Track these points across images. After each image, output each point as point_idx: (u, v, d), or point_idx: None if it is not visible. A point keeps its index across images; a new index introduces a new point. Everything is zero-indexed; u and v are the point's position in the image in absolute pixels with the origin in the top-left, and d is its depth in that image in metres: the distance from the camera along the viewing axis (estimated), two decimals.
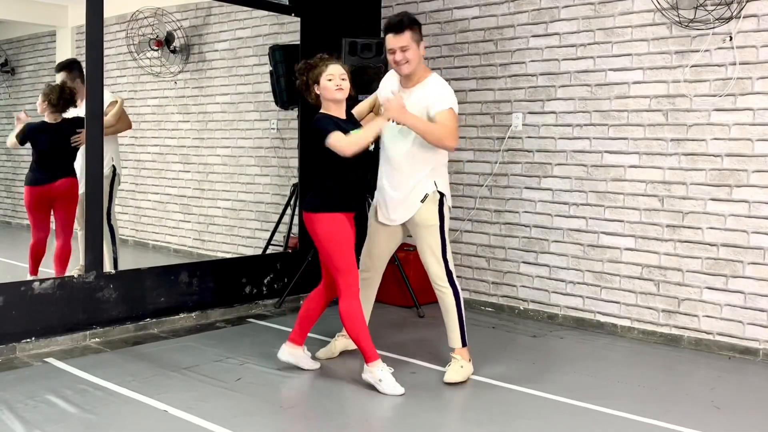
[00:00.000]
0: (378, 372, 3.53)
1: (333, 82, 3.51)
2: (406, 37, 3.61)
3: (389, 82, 3.88)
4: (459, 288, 3.78)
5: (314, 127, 3.50)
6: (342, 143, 3.41)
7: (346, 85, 3.53)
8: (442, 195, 3.74)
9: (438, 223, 3.74)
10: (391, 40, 3.63)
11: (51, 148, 4.61)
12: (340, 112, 3.57)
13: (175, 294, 4.76)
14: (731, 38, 4.27)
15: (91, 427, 3.04)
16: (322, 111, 3.57)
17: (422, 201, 3.70)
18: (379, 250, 3.92)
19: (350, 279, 3.55)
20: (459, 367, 3.73)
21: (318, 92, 3.55)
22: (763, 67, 4.19)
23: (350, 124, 3.59)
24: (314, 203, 3.58)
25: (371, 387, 3.56)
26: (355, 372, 3.74)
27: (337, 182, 3.56)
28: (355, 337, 3.57)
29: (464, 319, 3.78)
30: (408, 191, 3.71)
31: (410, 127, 3.57)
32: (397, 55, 3.62)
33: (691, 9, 4.33)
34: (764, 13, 4.17)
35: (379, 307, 5.37)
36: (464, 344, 3.78)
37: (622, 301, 4.73)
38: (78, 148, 4.63)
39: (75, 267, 4.68)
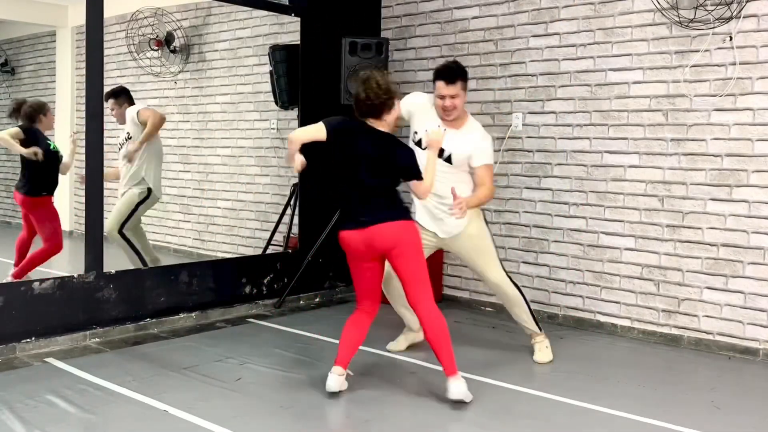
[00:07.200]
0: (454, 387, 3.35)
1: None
2: (457, 87, 3.80)
3: (430, 114, 3.90)
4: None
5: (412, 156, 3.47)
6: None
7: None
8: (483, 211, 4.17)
9: (488, 232, 4.05)
10: (443, 89, 3.80)
11: None
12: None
13: (175, 294, 4.76)
14: (731, 38, 4.26)
15: (91, 427, 3.05)
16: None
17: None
18: None
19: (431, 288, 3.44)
20: (545, 347, 4.12)
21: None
22: (763, 67, 4.19)
23: None
24: (405, 211, 3.44)
25: (371, 387, 3.56)
26: (354, 372, 3.73)
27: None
28: (439, 347, 3.38)
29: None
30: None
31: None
32: (447, 101, 3.80)
33: (691, 9, 4.33)
34: (764, 13, 4.17)
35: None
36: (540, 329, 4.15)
37: (622, 301, 4.73)
38: None
39: None
